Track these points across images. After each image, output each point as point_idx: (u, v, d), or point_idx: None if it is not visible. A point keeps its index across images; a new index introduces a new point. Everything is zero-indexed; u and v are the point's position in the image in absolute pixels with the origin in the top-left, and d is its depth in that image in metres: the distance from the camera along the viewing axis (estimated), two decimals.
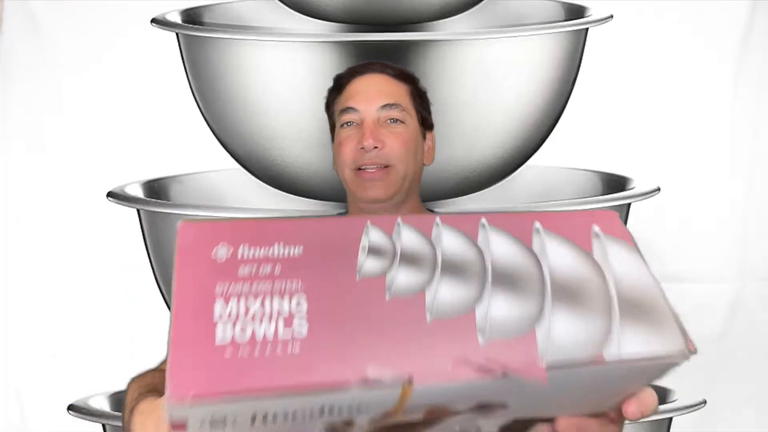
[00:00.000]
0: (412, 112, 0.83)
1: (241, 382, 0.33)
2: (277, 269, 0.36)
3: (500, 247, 0.40)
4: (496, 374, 0.36)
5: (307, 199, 1.15)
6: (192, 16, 1.15)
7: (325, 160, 1.01)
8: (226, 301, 0.34)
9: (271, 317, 0.34)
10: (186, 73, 1.15)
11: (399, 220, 0.40)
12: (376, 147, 0.78)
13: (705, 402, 1.11)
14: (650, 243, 1.14)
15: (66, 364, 1.11)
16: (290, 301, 0.35)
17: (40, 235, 1.13)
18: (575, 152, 1.15)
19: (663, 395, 1.12)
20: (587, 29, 1.15)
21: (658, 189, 1.14)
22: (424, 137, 0.87)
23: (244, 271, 0.36)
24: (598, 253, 0.40)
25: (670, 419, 1.12)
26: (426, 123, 0.87)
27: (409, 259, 0.39)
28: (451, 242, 0.40)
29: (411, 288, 0.38)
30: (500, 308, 0.37)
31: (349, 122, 0.81)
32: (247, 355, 0.33)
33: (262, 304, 0.35)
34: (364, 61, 0.91)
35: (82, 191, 1.13)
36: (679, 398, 1.11)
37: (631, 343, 0.37)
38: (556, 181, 1.14)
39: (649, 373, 0.39)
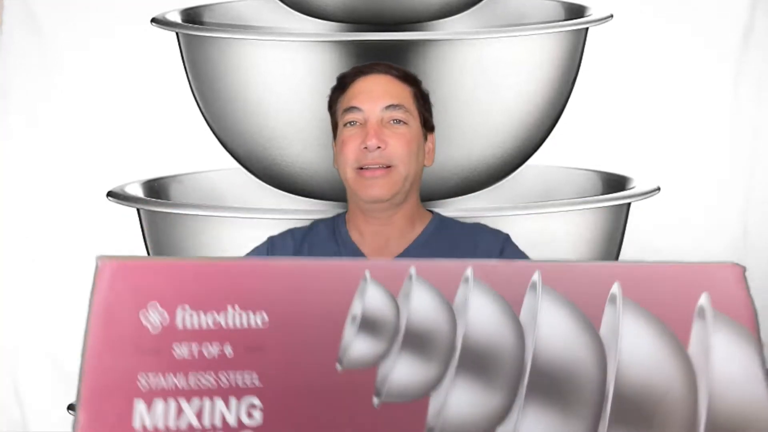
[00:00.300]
0: (415, 113, 0.84)
1: None
2: (228, 351, 0.28)
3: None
4: None
5: (307, 199, 1.15)
6: (192, 16, 1.15)
7: (325, 159, 1.01)
8: (151, 401, 0.26)
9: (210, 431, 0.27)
10: (186, 72, 1.15)
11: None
12: (379, 147, 0.78)
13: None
14: (650, 243, 1.14)
15: (66, 364, 1.11)
16: (239, 407, 0.27)
17: (41, 234, 1.13)
18: (575, 152, 1.15)
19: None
20: (587, 29, 1.15)
21: (658, 189, 1.14)
22: (426, 139, 0.88)
23: (181, 351, 0.27)
24: (696, 343, 0.28)
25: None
26: (428, 125, 0.88)
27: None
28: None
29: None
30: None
31: (353, 122, 0.81)
32: None
33: (201, 410, 0.26)
34: (365, 60, 0.91)
35: (82, 191, 1.13)
36: None
37: None
38: (555, 181, 1.14)
39: None
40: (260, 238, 0.93)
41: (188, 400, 0.26)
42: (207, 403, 0.27)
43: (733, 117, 1.15)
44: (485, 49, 1.14)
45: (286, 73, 1.13)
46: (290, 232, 0.87)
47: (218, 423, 0.26)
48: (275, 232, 0.91)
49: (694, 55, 1.15)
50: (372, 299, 0.31)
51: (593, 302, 0.30)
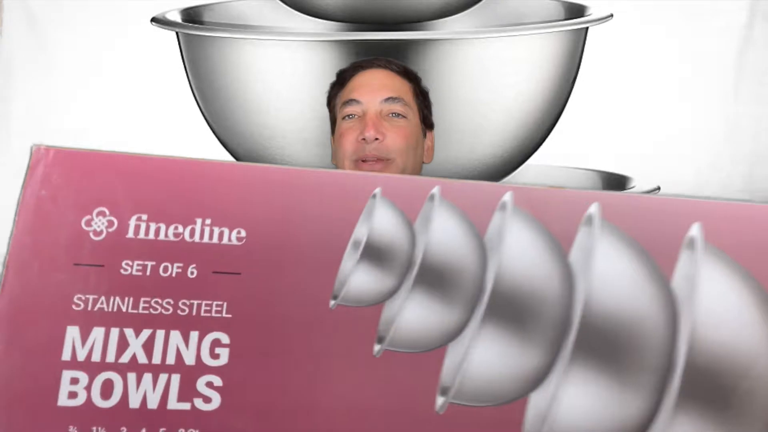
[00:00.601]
0: (414, 108, 0.83)
1: None
2: (192, 272, 0.22)
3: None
4: None
5: None
6: (192, 15, 1.15)
7: (325, 158, 1.00)
8: (88, 328, 0.20)
9: (161, 370, 0.21)
10: (186, 72, 1.15)
11: (436, 190, 0.27)
12: (377, 138, 0.77)
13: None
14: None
15: None
16: (200, 344, 0.21)
17: None
18: (575, 151, 1.15)
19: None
20: (587, 28, 1.15)
21: (658, 188, 1.13)
22: (425, 136, 0.87)
23: (130, 268, 0.21)
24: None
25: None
26: (427, 121, 0.88)
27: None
28: (380, 220, 0.28)
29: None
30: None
31: (351, 115, 0.81)
32: None
33: (150, 342, 0.20)
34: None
35: None
36: None
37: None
38: (556, 181, 1.14)
39: None
40: None
41: (136, 330, 0.20)
42: (160, 334, 0.21)
43: (733, 114, 1.15)
44: (485, 49, 1.14)
45: (286, 72, 1.12)
46: None
47: (171, 360, 0.20)
48: None
49: (694, 55, 1.15)
50: (381, 222, 0.26)
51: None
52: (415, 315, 0.25)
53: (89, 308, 0.21)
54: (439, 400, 0.25)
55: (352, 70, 0.85)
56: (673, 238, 0.25)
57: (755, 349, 0.23)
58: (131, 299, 0.21)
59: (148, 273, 0.21)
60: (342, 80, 0.85)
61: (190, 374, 0.21)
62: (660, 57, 1.15)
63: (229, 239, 0.22)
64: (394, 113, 0.80)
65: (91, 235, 0.21)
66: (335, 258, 0.24)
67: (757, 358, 0.22)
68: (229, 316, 0.22)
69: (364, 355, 0.24)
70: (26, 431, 0.20)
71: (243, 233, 0.23)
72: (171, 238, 0.22)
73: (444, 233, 0.26)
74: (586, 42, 1.15)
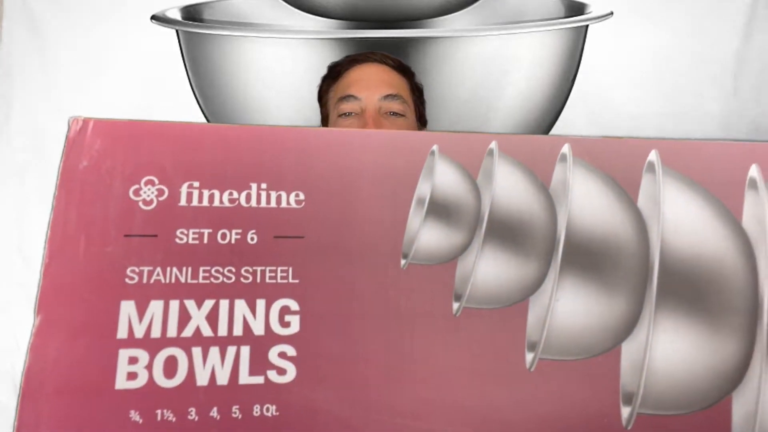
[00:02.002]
0: (411, 105, 0.81)
1: None
2: (252, 238, 0.19)
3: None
4: None
5: None
6: (192, 13, 1.15)
7: None
8: (144, 302, 0.18)
9: (228, 342, 0.18)
10: (186, 70, 1.15)
11: (494, 144, 0.25)
12: None
13: None
14: None
15: None
16: (268, 312, 0.19)
17: (41, 232, 1.13)
18: None
19: None
20: (587, 26, 1.15)
21: None
22: None
23: (186, 237, 0.19)
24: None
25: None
26: (422, 119, 0.85)
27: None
28: (442, 178, 0.27)
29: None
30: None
31: (349, 112, 0.77)
32: (175, 419, 0.18)
33: (214, 313, 0.18)
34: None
35: None
36: None
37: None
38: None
39: None
40: None
41: (198, 302, 0.18)
42: (224, 304, 0.18)
43: (734, 114, 1.15)
44: (485, 47, 1.14)
45: (286, 70, 1.12)
46: None
47: (239, 331, 0.17)
48: None
49: (694, 53, 1.15)
50: (443, 177, 0.24)
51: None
52: (490, 269, 0.24)
53: (144, 281, 0.18)
54: (529, 356, 0.23)
55: (347, 64, 0.82)
56: (734, 179, 0.24)
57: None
58: (190, 269, 0.19)
59: (205, 241, 0.19)
60: (335, 74, 0.82)
61: (260, 345, 0.18)
62: (660, 55, 1.15)
63: (288, 203, 0.20)
64: (393, 112, 0.78)
65: (141, 204, 0.19)
66: (401, 216, 0.23)
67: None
68: (296, 281, 0.20)
69: (444, 315, 0.22)
70: (81, 420, 0.17)
71: (302, 196, 0.21)
72: (226, 204, 0.19)
73: (509, 186, 0.25)
74: (586, 40, 1.15)
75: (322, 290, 0.21)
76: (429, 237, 0.25)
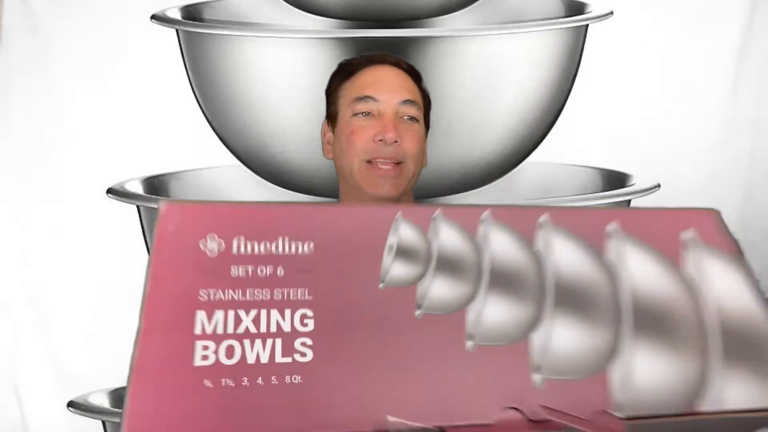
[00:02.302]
0: (422, 111, 0.81)
1: (221, 428, 0.26)
2: (280, 272, 0.31)
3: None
4: (554, 428, 0.29)
5: (307, 196, 1.15)
6: (192, 13, 1.15)
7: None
8: (211, 312, 0.29)
9: (267, 336, 0.30)
10: (186, 69, 1.15)
11: (438, 212, 0.36)
12: (395, 141, 0.75)
13: None
14: None
15: (66, 361, 1.11)
16: (293, 317, 0.30)
17: (40, 232, 1.13)
18: (575, 149, 1.15)
19: None
20: (587, 25, 1.15)
21: (658, 186, 1.14)
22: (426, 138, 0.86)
23: (237, 272, 0.31)
24: (692, 267, 0.33)
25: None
26: (428, 124, 0.85)
27: (449, 266, 0.34)
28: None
29: (450, 304, 0.33)
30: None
31: (366, 112, 0.77)
32: (234, 384, 0.28)
33: (257, 319, 0.30)
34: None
35: (81, 188, 1.13)
36: None
37: (736, 392, 0.29)
38: (556, 178, 1.14)
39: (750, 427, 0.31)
40: None
41: (246, 311, 0.29)
42: (263, 312, 0.30)
43: (734, 114, 1.15)
44: (485, 46, 1.14)
45: (286, 69, 1.12)
46: None
47: (274, 329, 0.29)
48: None
49: (695, 52, 1.15)
50: (406, 232, 0.35)
51: (592, 239, 0.34)
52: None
53: (211, 298, 0.30)
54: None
55: (362, 63, 0.81)
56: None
57: (673, 292, 0.33)
58: (240, 290, 0.30)
59: (249, 274, 0.30)
60: (349, 72, 0.81)
61: (288, 338, 0.30)
62: (660, 54, 1.15)
63: (303, 250, 0.32)
64: (410, 116, 0.78)
65: (207, 253, 0.30)
66: (377, 257, 0.33)
67: (675, 297, 0.32)
68: (311, 297, 0.31)
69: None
70: (173, 387, 0.27)
71: (312, 245, 0.32)
72: (263, 251, 0.31)
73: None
74: (587, 39, 1.15)
75: (328, 303, 0.31)
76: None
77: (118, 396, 1.11)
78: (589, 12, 1.15)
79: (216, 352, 0.29)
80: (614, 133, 1.14)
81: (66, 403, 1.10)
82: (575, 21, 1.15)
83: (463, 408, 0.30)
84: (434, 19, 1.15)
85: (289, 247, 0.32)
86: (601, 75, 1.15)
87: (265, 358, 0.29)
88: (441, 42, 1.13)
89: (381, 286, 0.32)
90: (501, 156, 1.15)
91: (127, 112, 1.14)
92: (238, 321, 0.29)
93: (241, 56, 1.14)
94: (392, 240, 0.34)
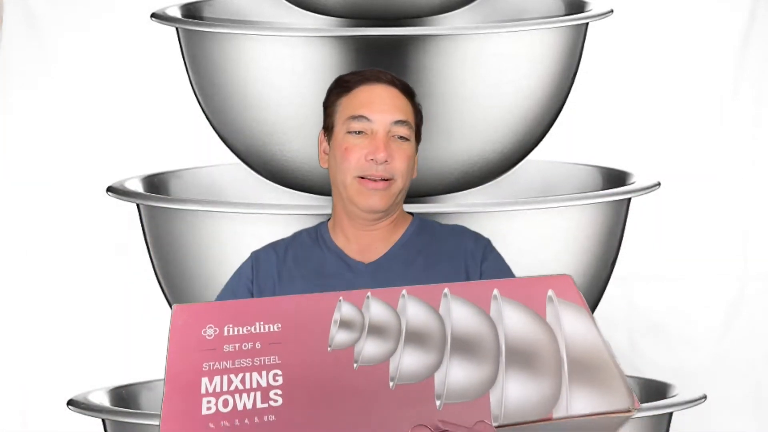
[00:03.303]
0: (414, 128, 0.84)
1: None
2: (257, 345, 0.43)
3: (460, 315, 0.46)
4: None
5: (306, 194, 1.15)
6: (192, 11, 1.15)
7: None
8: (211, 377, 0.41)
9: (250, 390, 0.41)
10: (186, 68, 1.15)
11: (369, 294, 0.47)
12: (386, 161, 0.79)
13: (705, 397, 1.11)
14: (650, 238, 1.14)
15: (65, 359, 1.11)
16: (267, 375, 0.41)
17: (41, 230, 1.13)
18: (575, 147, 1.15)
19: (663, 390, 1.12)
20: (587, 24, 1.15)
21: (659, 184, 1.13)
22: (416, 151, 0.88)
23: (228, 348, 0.42)
24: (552, 316, 0.46)
25: (671, 414, 1.12)
26: (419, 137, 0.88)
27: (377, 330, 0.45)
28: (415, 312, 0.46)
29: (377, 357, 0.43)
30: (457, 375, 0.43)
31: (360, 131, 0.81)
32: (229, 425, 0.39)
33: (243, 379, 0.41)
34: (365, 55, 0.90)
35: (82, 186, 1.13)
36: (680, 394, 1.11)
37: (579, 403, 0.41)
38: (556, 176, 1.14)
39: (597, 428, 0.43)
40: (259, 233, 0.93)
41: (235, 374, 0.40)
42: (247, 375, 0.41)
43: (734, 112, 1.15)
44: (485, 44, 1.14)
45: (286, 68, 1.12)
46: (272, 246, 0.87)
47: (255, 385, 0.40)
48: (273, 227, 0.91)
49: (695, 51, 1.15)
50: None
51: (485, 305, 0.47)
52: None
53: (211, 368, 0.41)
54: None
55: (357, 81, 0.84)
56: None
57: (541, 335, 0.44)
58: (230, 361, 0.42)
59: (236, 349, 0.41)
60: (345, 88, 0.84)
61: (264, 390, 0.40)
62: (660, 52, 1.15)
63: (273, 329, 0.43)
64: (401, 136, 0.81)
65: (207, 337, 0.42)
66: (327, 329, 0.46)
67: (543, 339, 0.44)
68: (280, 361, 0.42)
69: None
70: (188, 430, 0.39)
71: (279, 325, 0.44)
72: (245, 332, 0.42)
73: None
74: (587, 38, 1.15)
75: (293, 364, 0.43)
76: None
77: (117, 394, 1.11)
78: (589, 10, 1.15)
79: (216, 404, 0.39)
80: (614, 131, 1.14)
81: (66, 401, 1.10)
82: (575, 19, 1.14)
83: None
84: (434, 17, 1.15)
85: (263, 328, 0.44)
86: (601, 73, 1.15)
87: (249, 406, 0.40)
88: (441, 40, 1.13)
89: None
90: (501, 154, 1.15)
91: (127, 111, 1.14)
92: (230, 382, 0.41)
93: (241, 55, 1.14)
94: (336, 316, 0.46)
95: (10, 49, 1.15)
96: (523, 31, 1.14)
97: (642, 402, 1.11)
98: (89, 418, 1.10)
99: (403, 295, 0.46)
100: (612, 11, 1.15)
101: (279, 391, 0.40)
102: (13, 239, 1.13)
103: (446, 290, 0.47)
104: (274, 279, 0.82)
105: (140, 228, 1.14)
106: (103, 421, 1.11)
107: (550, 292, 0.47)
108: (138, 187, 1.14)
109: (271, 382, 0.41)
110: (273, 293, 0.81)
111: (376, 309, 0.46)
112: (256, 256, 0.85)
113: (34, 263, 1.13)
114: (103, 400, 1.11)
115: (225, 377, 0.40)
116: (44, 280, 1.12)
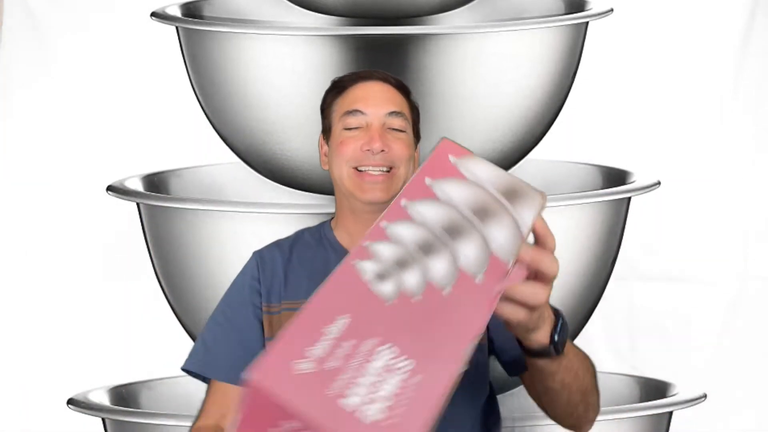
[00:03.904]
0: (410, 123, 0.84)
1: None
2: (348, 345, 0.38)
3: (456, 195, 0.46)
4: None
5: (306, 193, 1.15)
6: (192, 10, 1.15)
7: None
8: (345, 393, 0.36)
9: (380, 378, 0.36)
10: (186, 67, 1.15)
11: (381, 224, 0.44)
12: (382, 150, 0.78)
13: (705, 396, 1.11)
14: (651, 237, 1.14)
15: (65, 359, 1.11)
16: (380, 356, 0.37)
17: (41, 229, 1.13)
18: (575, 146, 1.14)
19: (663, 389, 1.12)
20: (587, 23, 1.15)
21: (659, 183, 1.13)
22: (415, 148, 0.88)
23: (331, 365, 0.36)
24: (468, 173, 0.48)
25: (671, 413, 1.12)
26: (417, 135, 0.88)
27: (423, 248, 0.43)
28: (431, 213, 0.45)
29: (442, 273, 0.42)
30: (497, 238, 0.45)
31: (355, 126, 0.81)
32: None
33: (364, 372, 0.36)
34: (365, 54, 0.90)
35: (82, 185, 1.13)
36: (680, 393, 1.11)
37: (528, 217, 0.48)
38: (556, 175, 1.14)
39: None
40: (259, 232, 0.93)
41: (358, 376, 0.36)
42: (368, 366, 0.36)
43: (734, 112, 1.15)
44: (485, 43, 1.14)
45: (286, 67, 1.13)
46: (276, 245, 0.86)
47: (378, 370, 0.36)
48: (273, 226, 0.91)
49: (695, 50, 1.15)
50: (401, 234, 0.44)
51: None
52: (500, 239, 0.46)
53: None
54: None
55: (351, 80, 0.85)
56: (449, 166, 0.49)
57: None
58: (344, 369, 0.36)
59: (338, 355, 0.36)
60: (340, 88, 0.85)
61: (389, 368, 0.37)
62: (660, 51, 1.15)
63: (342, 324, 0.38)
64: (396, 128, 0.81)
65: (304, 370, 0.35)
66: None
67: None
68: (378, 338, 0.38)
69: None
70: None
71: (348, 316, 0.39)
72: (329, 342, 0.37)
73: (455, 192, 0.48)
74: (587, 37, 1.15)
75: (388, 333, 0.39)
76: None
77: (117, 393, 1.11)
78: (589, 9, 1.15)
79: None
80: (614, 130, 1.14)
81: (66, 400, 1.10)
82: (575, 18, 1.14)
83: None
84: (434, 16, 1.15)
85: (334, 330, 0.38)
86: (601, 72, 1.15)
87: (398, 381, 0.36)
88: (441, 39, 1.13)
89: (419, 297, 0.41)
90: (501, 153, 1.15)
91: (127, 110, 1.14)
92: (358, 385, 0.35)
93: (241, 54, 1.14)
94: (367, 277, 0.43)
95: (10, 49, 1.15)
96: (523, 31, 1.14)
97: (642, 401, 1.12)
98: (89, 417, 1.10)
99: (405, 206, 0.45)
100: (612, 10, 1.15)
101: (401, 356, 0.37)
102: (13, 239, 1.13)
103: (403, 200, 0.45)
104: (280, 278, 0.82)
105: (140, 227, 1.14)
106: (103, 420, 1.11)
107: (451, 158, 0.49)
108: (138, 186, 1.14)
109: (387, 359, 0.36)
110: (279, 292, 0.81)
111: (401, 232, 0.43)
112: (261, 255, 0.85)
113: (34, 263, 1.13)
114: (103, 399, 1.11)
115: (351, 384, 0.35)
116: (44, 279, 1.12)
